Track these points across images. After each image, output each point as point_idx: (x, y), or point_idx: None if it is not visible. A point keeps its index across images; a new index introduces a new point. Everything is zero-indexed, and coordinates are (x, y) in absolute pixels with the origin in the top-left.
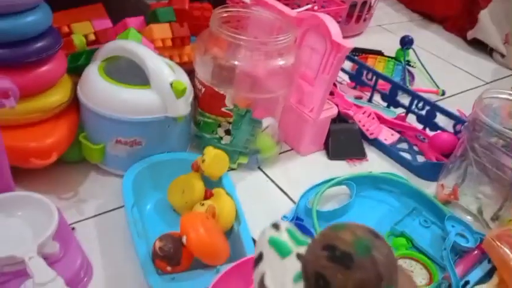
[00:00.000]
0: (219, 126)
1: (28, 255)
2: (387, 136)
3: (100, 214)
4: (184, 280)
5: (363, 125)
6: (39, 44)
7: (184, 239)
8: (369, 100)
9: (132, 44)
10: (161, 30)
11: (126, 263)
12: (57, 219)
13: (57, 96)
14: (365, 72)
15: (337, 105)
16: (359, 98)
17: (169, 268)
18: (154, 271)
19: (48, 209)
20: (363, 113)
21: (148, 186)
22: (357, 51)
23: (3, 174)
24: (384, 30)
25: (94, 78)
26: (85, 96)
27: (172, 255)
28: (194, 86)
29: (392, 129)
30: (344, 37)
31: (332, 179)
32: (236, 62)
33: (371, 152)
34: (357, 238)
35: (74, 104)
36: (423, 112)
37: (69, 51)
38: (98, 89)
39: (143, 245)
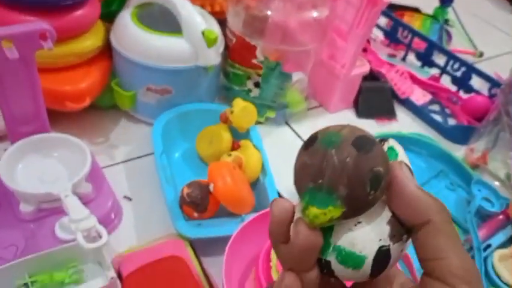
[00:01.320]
0: (249, 78)
1: (64, 193)
2: (419, 97)
3: (129, 160)
4: (209, 226)
5: (395, 84)
6: None
7: (211, 187)
8: (403, 59)
9: None
10: None
11: (154, 208)
12: (91, 162)
13: (91, 41)
14: (400, 30)
15: (369, 62)
16: (392, 56)
17: (195, 214)
18: (181, 216)
19: (82, 152)
20: (395, 72)
21: (176, 135)
22: (393, 7)
23: (40, 115)
24: None
25: (126, 24)
26: (118, 42)
27: (199, 202)
28: (225, 36)
29: (425, 90)
30: None
31: None
32: (268, 12)
33: (401, 112)
34: (335, 131)
35: (107, 50)
36: (459, 73)
37: None
38: (131, 35)
39: (171, 191)
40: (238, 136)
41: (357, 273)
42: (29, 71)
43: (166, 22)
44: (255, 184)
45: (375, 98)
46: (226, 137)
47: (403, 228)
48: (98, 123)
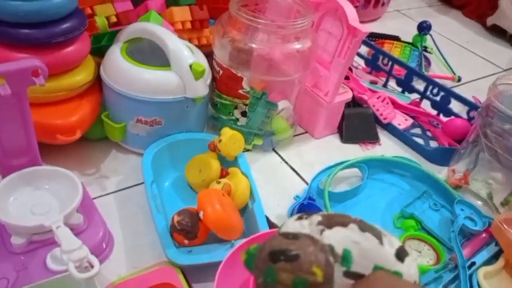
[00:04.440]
0: (236, 108)
1: (55, 224)
2: (401, 121)
3: (120, 190)
4: (200, 253)
5: (377, 110)
6: (66, 25)
7: (201, 214)
8: (384, 85)
9: (154, 26)
10: (181, 13)
11: (145, 236)
12: (82, 193)
13: (81, 76)
14: (380, 57)
15: (352, 90)
16: (374, 83)
17: (186, 241)
18: (172, 244)
19: (73, 183)
20: (377, 98)
21: (166, 164)
22: (374, 36)
23: (32, 149)
24: (402, 16)
25: (116, 59)
26: (108, 76)
27: (189, 229)
28: (212, 68)
29: (406, 114)
30: (361, 22)
31: (345, 162)
32: (253, 45)
33: (384, 137)
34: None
35: (97, 84)
36: (438, 98)
37: (92, 32)
38: (121, 69)
39: (161, 220)
40: (227, 164)
41: None
42: (21, 106)
43: (155, 56)
44: (244, 210)
45: (358, 123)
46: (215, 165)
47: None
48: (89, 155)
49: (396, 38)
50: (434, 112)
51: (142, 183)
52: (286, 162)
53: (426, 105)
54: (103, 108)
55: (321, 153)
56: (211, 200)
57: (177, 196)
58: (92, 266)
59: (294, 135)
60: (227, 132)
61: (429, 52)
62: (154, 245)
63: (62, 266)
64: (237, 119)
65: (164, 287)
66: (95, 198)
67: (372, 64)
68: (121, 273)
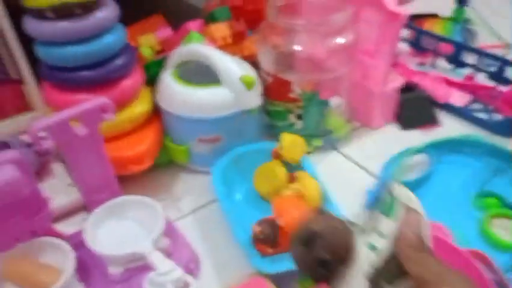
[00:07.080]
0: (290, 112)
1: (147, 250)
2: (458, 99)
3: (196, 209)
4: (284, 260)
5: (432, 91)
6: (119, 61)
7: (280, 221)
8: (433, 65)
9: (198, 47)
10: (221, 29)
11: (228, 250)
12: (163, 217)
13: (140, 107)
14: (424, 38)
15: (401, 75)
16: (422, 64)
17: (270, 250)
18: (256, 254)
19: (154, 209)
20: (429, 79)
21: (234, 178)
22: (412, 17)
23: (111, 182)
24: None
25: (169, 84)
26: (164, 102)
27: (272, 237)
28: (260, 77)
29: (462, 91)
30: (399, 3)
31: (410, 149)
32: (296, 47)
33: (444, 118)
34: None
35: (156, 112)
36: (492, 68)
37: (140, 63)
38: (175, 93)
39: (241, 232)
40: (293, 169)
41: None
42: (96, 143)
43: (203, 74)
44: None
45: (415, 108)
46: (281, 172)
47: None
48: (160, 180)
49: (434, 15)
50: (490, 84)
51: (215, 200)
52: (350, 158)
53: (481, 78)
54: (165, 133)
55: (382, 144)
56: (286, 206)
57: (251, 207)
58: (187, 285)
59: (352, 130)
60: (286, 137)
61: (471, 24)
62: (238, 258)
63: None
64: (293, 124)
65: None
66: (174, 221)
67: (416, 46)
68: None
